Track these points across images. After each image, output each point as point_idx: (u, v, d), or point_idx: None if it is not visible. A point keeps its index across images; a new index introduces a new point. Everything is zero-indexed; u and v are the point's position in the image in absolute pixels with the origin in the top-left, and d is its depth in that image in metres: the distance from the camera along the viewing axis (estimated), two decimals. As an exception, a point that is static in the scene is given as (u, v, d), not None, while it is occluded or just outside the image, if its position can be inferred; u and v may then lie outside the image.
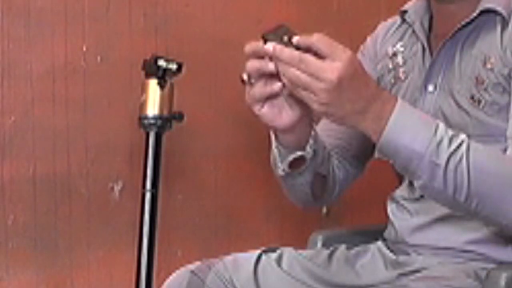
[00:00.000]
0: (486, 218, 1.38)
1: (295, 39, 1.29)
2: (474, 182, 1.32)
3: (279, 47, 1.29)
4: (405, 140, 1.31)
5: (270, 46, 1.30)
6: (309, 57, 1.27)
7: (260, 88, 1.37)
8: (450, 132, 1.33)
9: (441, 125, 1.33)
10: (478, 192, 1.32)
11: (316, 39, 1.28)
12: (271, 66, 1.32)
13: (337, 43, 1.28)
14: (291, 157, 1.50)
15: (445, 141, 1.31)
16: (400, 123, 1.31)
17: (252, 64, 1.35)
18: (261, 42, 1.32)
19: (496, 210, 1.35)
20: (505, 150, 1.42)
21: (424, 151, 1.30)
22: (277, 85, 1.34)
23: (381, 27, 1.71)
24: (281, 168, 1.52)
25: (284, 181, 1.58)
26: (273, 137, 1.51)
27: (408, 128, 1.31)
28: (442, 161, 1.31)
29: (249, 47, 1.35)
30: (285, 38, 1.30)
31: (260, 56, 1.34)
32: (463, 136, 1.33)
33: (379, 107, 1.30)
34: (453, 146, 1.31)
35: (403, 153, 1.31)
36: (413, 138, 1.31)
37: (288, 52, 1.28)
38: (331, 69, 1.26)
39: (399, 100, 1.33)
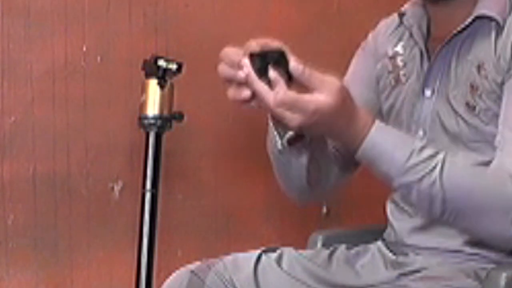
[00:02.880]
0: (465, 230, 1.42)
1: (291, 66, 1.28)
2: (450, 200, 1.34)
3: (252, 77, 1.29)
4: (378, 167, 1.34)
5: (245, 70, 1.29)
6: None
7: (233, 91, 1.35)
8: (427, 153, 1.34)
9: (417, 146, 1.34)
10: (454, 208, 1.35)
11: (308, 75, 1.27)
12: (240, 75, 1.31)
13: (320, 78, 1.28)
14: (289, 134, 1.48)
15: (420, 165, 1.33)
16: (373, 150, 1.33)
17: (223, 69, 1.35)
18: (243, 58, 1.31)
19: (474, 224, 1.37)
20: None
21: (396, 175, 1.34)
22: (246, 93, 1.33)
23: (382, 24, 1.70)
24: (279, 142, 1.49)
25: (280, 160, 1.55)
26: (270, 117, 1.47)
27: (381, 154, 1.33)
28: (414, 183, 1.33)
29: (225, 52, 1.34)
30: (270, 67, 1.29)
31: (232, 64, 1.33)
32: (440, 156, 1.34)
33: (355, 131, 1.32)
34: (428, 168, 1.33)
35: (378, 173, 1.36)
36: (385, 165, 1.34)
37: (260, 87, 1.28)
38: (314, 102, 1.26)
39: (376, 123, 1.34)
